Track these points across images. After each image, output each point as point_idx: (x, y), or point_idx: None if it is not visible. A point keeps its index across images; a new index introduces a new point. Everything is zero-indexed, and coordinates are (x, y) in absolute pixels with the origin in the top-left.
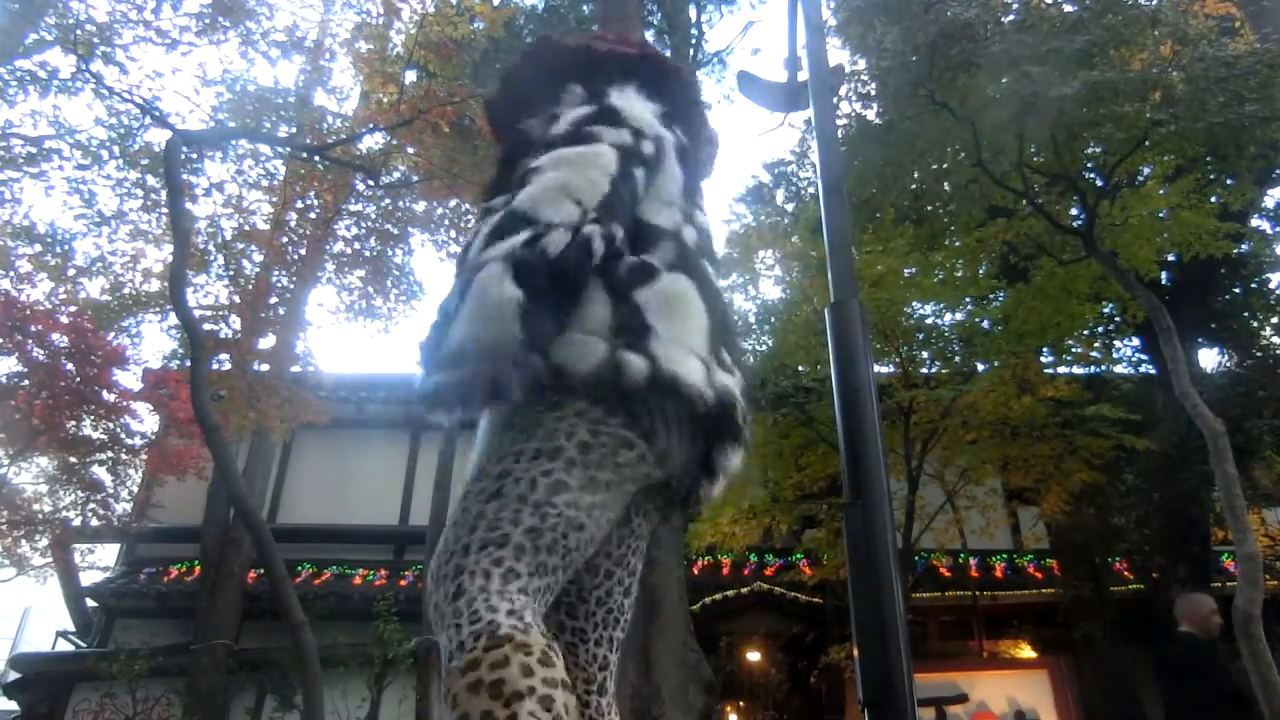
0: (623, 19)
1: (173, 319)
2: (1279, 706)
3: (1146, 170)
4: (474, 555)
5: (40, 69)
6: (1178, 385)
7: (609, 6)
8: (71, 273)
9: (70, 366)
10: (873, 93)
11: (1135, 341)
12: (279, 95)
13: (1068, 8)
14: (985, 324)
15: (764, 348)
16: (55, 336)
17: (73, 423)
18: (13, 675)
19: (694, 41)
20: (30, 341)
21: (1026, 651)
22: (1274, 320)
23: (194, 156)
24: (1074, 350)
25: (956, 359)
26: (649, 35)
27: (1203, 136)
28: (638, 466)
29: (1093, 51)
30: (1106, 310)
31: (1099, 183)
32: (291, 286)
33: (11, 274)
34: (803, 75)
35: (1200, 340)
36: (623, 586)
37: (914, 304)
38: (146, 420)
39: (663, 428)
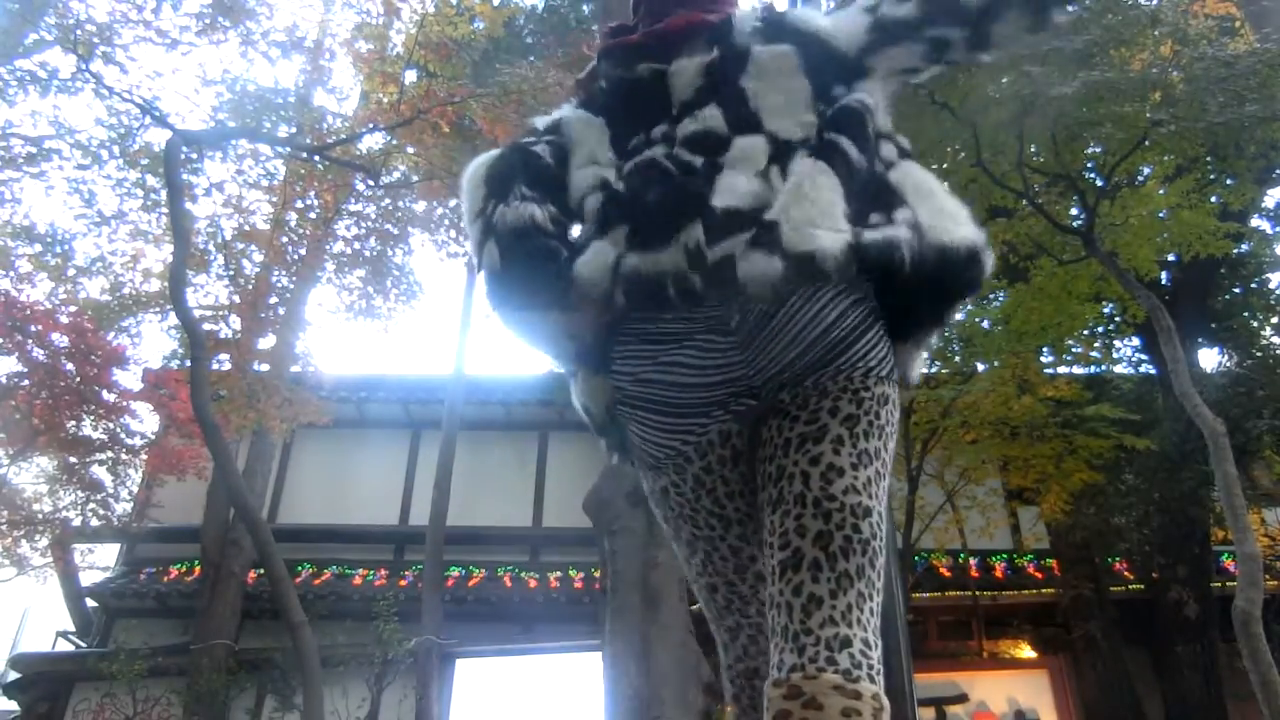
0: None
1: (173, 319)
2: (1279, 706)
3: (1146, 170)
4: None
5: (40, 69)
6: (1178, 385)
7: (609, 7)
8: (71, 273)
9: (70, 366)
10: None
11: (1135, 341)
12: (279, 95)
13: (1068, 8)
14: (985, 324)
15: None
16: (55, 336)
17: (73, 423)
18: (13, 675)
19: None
20: (30, 341)
21: (1026, 651)
22: (1274, 320)
23: (194, 156)
24: (1074, 350)
25: (956, 359)
26: None
27: (1203, 136)
28: (665, 462)
29: (1093, 51)
30: (1106, 310)
31: (1099, 183)
32: (291, 286)
33: (11, 274)
34: None
35: (1200, 340)
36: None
37: None
38: (146, 420)
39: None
